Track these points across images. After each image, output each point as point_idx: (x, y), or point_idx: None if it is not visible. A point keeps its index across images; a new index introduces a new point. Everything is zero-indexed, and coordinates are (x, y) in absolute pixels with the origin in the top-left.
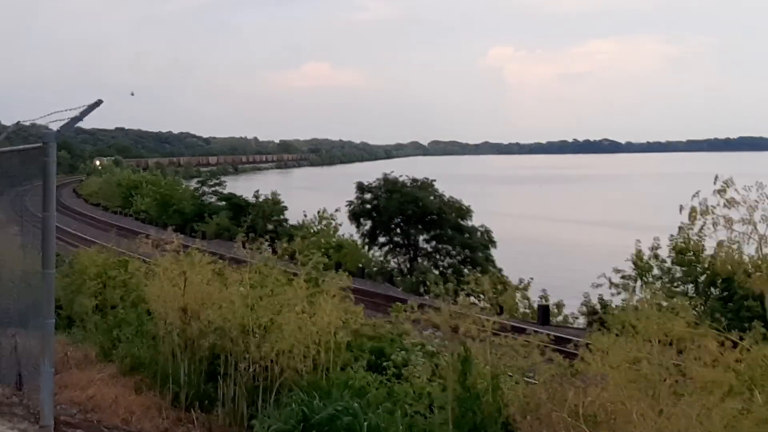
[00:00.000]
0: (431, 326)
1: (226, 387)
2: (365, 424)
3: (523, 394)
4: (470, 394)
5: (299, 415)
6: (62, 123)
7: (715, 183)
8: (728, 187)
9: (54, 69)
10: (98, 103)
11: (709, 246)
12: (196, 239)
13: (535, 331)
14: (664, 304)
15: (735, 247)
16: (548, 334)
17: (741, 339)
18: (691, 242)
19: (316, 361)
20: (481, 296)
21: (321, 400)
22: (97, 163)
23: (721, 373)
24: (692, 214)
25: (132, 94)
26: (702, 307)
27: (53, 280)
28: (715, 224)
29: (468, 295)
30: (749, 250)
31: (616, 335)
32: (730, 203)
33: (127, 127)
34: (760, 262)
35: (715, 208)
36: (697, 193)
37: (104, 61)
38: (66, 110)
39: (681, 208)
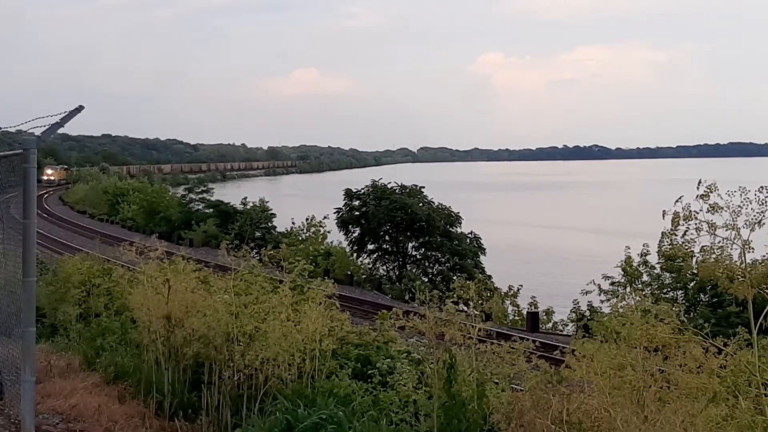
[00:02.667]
0: (417, 333)
1: (210, 395)
2: None
3: (507, 401)
4: (455, 401)
5: (283, 424)
6: (43, 129)
7: (698, 188)
8: (711, 192)
9: (42, 76)
10: (79, 109)
11: (698, 252)
12: (182, 247)
13: (521, 338)
14: (650, 310)
15: (724, 252)
16: (534, 341)
17: (726, 345)
18: (680, 249)
19: (301, 369)
20: (470, 303)
21: (306, 409)
22: (49, 172)
23: (705, 379)
24: (675, 220)
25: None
26: (692, 313)
27: (34, 288)
28: (698, 230)
29: (455, 302)
30: (733, 255)
31: (602, 341)
32: (714, 208)
33: (113, 134)
34: (743, 268)
35: (698, 213)
36: (680, 198)
37: (92, 68)
38: (48, 116)
39: (664, 213)
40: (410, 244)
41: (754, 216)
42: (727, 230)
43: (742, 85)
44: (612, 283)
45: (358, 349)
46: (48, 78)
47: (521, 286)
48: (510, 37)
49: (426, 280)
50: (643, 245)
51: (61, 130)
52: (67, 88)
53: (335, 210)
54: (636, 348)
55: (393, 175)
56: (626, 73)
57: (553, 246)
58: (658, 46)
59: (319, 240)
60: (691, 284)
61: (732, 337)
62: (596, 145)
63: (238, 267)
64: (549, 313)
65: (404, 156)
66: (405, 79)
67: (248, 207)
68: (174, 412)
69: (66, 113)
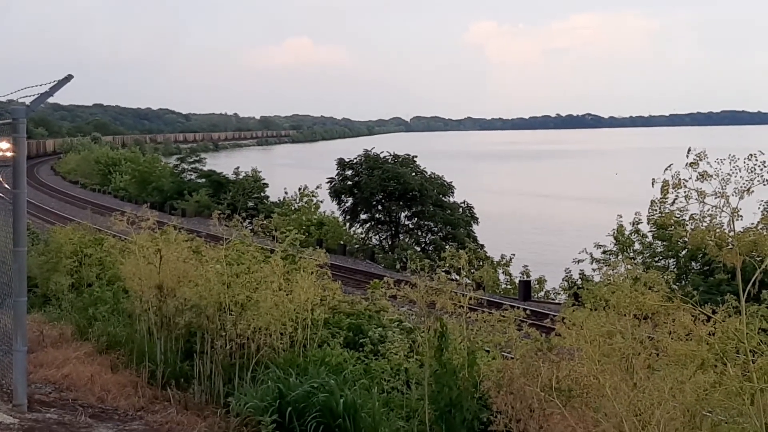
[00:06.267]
0: (408, 302)
1: (202, 365)
2: (341, 400)
3: (498, 369)
4: (446, 369)
5: (275, 392)
6: (33, 98)
7: (687, 156)
8: (700, 159)
9: (33, 45)
10: (68, 78)
11: (688, 220)
12: (175, 217)
13: (512, 306)
14: (640, 278)
15: (714, 221)
16: (525, 309)
17: (714, 312)
18: (672, 217)
19: (293, 339)
20: (462, 271)
21: (297, 377)
22: None
23: (694, 346)
24: (664, 188)
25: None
26: (683, 282)
27: (25, 257)
28: (687, 198)
29: (446, 271)
30: (722, 223)
31: (592, 309)
32: (703, 176)
33: (105, 104)
34: (731, 235)
35: (687, 181)
36: (669, 166)
37: (84, 37)
38: (37, 86)
39: (653, 181)
40: (403, 214)
41: (743, 184)
42: (716, 198)
43: (735, 54)
44: (604, 252)
45: (350, 318)
46: (40, 47)
47: (514, 254)
48: (503, 5)
49: (419, 249)
50: (635, 213)
51: (52, 100)
52: (59, 58)
53: (328, 180)
54: (625, 316)
55: (386, 145)
56: (619, 42)
57: (546, 215)
58: (651, 14)
59: (312, 210)
60: (683, 252)
61: (721, 305)
62: (589, 114)
63: (230, 237)
64: (541, 281)
65: (397, 125)
66: (398, 48)
67: (241, 177)
68: (166, 381)
69: (55, 82)
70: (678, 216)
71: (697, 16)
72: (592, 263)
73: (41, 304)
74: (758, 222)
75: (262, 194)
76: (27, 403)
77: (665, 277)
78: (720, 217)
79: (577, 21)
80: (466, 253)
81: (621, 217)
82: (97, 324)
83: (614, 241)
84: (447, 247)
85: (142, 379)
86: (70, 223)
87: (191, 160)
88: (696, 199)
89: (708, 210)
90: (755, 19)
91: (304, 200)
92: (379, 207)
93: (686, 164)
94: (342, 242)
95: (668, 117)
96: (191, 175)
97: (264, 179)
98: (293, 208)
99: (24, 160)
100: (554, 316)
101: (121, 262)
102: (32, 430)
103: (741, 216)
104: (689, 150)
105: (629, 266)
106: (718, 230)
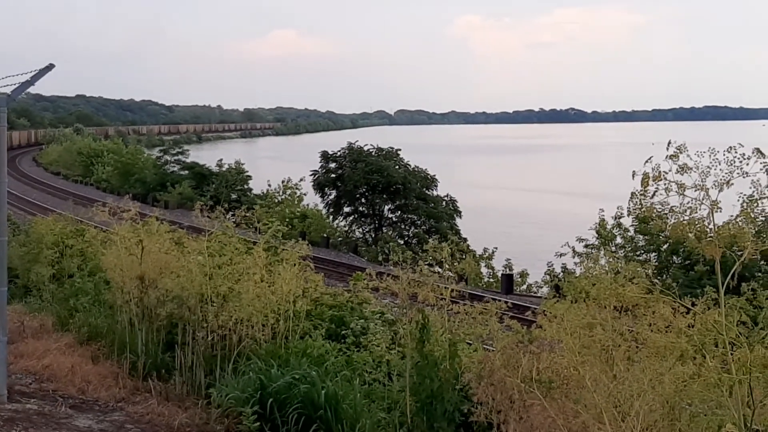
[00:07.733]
0: (391, 294)
1: (183, 356)
2: (323, 392)
3: (478, 360)
4: (428, 361)
5: (257, 384)
6: (13, 88)
7: (668, 149)
8: (680, 152)
9: (15, 35)
10: (50, 67)
11: (669, 213)
12: (157, 208)
13: (493, 299)
14: (620, 270)
15: (694, 213)
16: (507, 302)
17: (694, 305)
18: (654, 210)
19: (275, 330)
20: (444, 264)
21: (279, 369)
22: None
23: (673, 338)
24: (644, 180)
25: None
26: (664, 276)
27: (5, 247)
28: (667, 190)
29: (429, 264)
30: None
31: (573, 302)
32: (683, 169)
33: (88, 95)
34: (710, 227)
35: (667, 173)
36: (649, 158)
37: (66, 27)
38: (18, 75)
39: (634, 173)
40: (386, 207)
41: (723, 177)
42: (696, 191)
43: (718, 49)
44: (586, 246)
45: (332, 310)
46: (21, 37)
47: (496, 248)
48: None
49: (402, 242)
50: (617, 208)
51: (34, 90)
52: (41, 48)
53: (311, 172)
54: (606, 308)
55: (369, 138)
56: (603, 37)
57: (529, 209)
58: (636, 10)
59: (295, 202)
60: (664, 247)
61: (701, 297)
62: (572, 109)
63: (212, 228)
64: (524, 275)
65: (381, 118)
66: (382, 41)
67: (224, 169)
68: (147, 373)
69: (36, 72)
70: (659, 209)
71: (680, 11)
72: (574, 257)
73: (22, 295)
74: (737, 215)
75: (246, 187)
76: (7, 393)
77: (645, 269)
78: (700, 210)
79: (561, 15)
80: (449, 245)
81: (603, 211)
82: (78, 315)
83: (596, 235)
84: (430, 240)
85: (123, 370)
86: (51, 214)
87: (174, 152)
88: (676, 191)
89: (688, 202)
90: (738, 15)
91: (288, 193)
92: (363, 200)
93: (666, 156)
94: (325, 235)
95: (651, 112)
96: (174, 167)
97: (247, 172)
98: (276, 200)
99: (4, 149)
100: (536, 308)
101: (102, 253)
102: (12, 421)
103: (720, 209)
104: (669, 143)
105: (610, 259)
106: (698, 223)
